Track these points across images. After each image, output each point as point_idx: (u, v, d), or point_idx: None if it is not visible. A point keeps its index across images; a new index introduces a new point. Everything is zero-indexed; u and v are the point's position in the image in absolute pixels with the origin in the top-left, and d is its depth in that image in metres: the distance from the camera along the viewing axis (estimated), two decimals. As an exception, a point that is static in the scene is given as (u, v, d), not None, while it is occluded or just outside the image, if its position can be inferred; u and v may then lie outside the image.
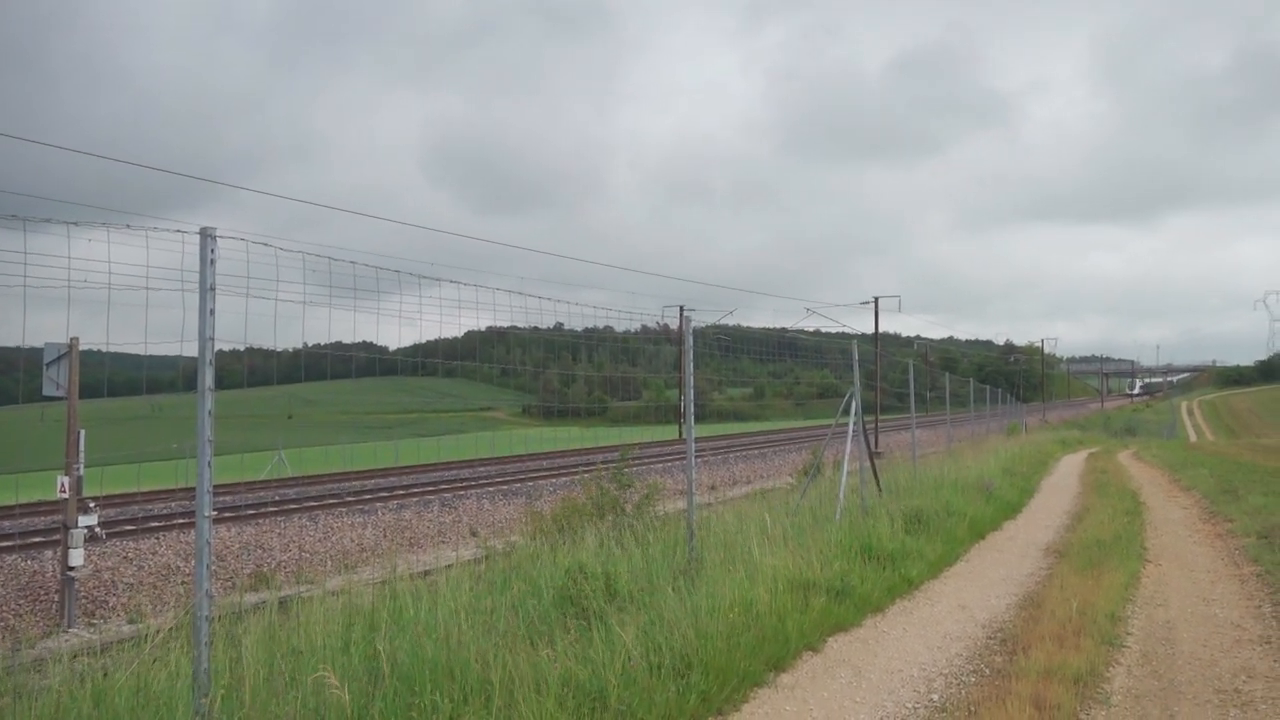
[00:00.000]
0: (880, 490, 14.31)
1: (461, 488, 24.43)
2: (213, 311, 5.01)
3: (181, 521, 17.95)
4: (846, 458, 12.75)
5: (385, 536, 18.46)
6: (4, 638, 12.85)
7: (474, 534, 19.19)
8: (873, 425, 40.75)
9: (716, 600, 6.71)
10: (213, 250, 4.99)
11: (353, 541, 18.03)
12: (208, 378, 4.82)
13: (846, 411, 13.54)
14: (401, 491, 23.44)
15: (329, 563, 16.31)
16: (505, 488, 24.58)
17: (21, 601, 13.76)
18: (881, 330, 44.19)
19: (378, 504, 21.04)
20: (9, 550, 14.86)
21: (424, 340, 41.67)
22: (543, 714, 4.76)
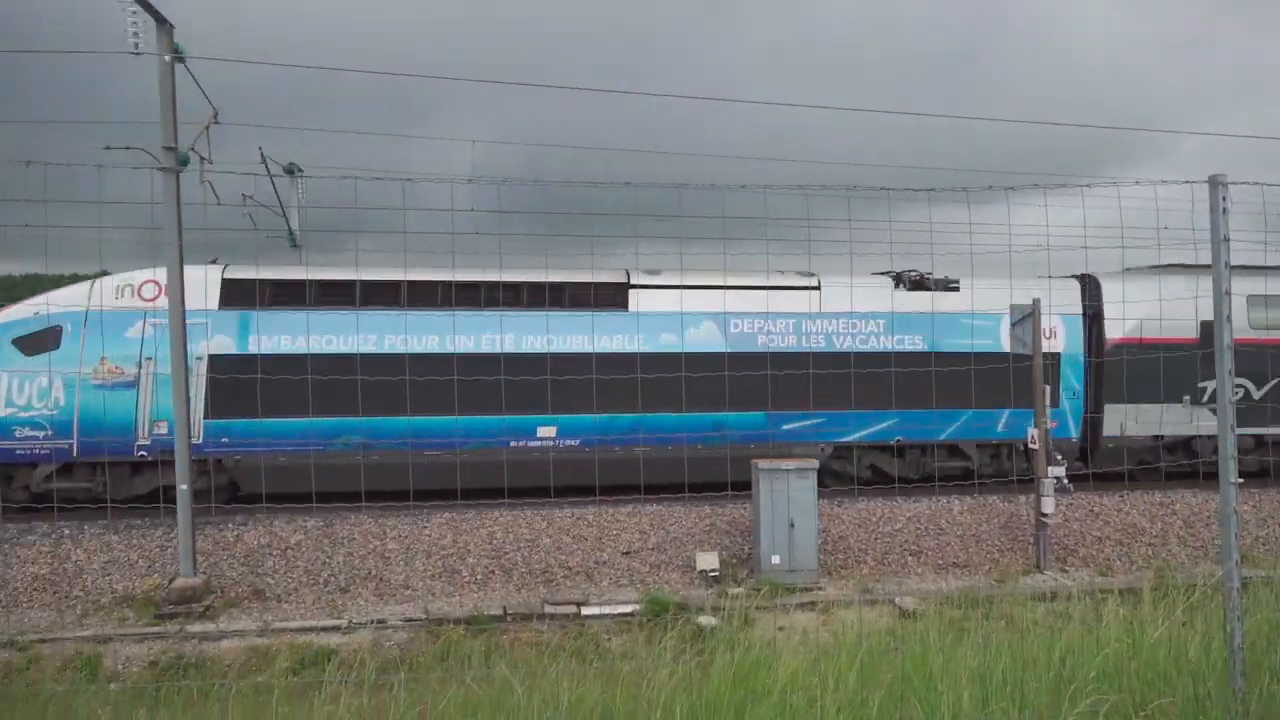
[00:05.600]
0: None
1: None
2: (1228, 264, 4.79)
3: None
4: None
5: None
6: (991, 569, 14.59)
7: None
8: None
9: None
10: (1224, 199, 4.85)
11: None
12: None
13: None
14: None
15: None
16: None
17: (1002, 539, 15.35)
18: None
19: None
20: (993, 491, 16.64)
21: None
22: None
